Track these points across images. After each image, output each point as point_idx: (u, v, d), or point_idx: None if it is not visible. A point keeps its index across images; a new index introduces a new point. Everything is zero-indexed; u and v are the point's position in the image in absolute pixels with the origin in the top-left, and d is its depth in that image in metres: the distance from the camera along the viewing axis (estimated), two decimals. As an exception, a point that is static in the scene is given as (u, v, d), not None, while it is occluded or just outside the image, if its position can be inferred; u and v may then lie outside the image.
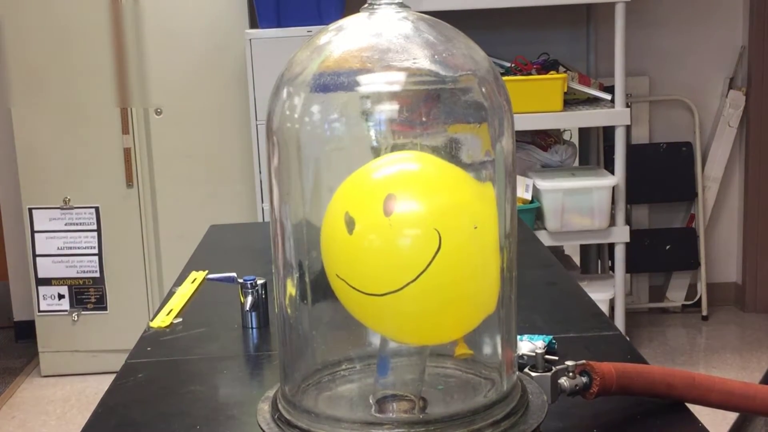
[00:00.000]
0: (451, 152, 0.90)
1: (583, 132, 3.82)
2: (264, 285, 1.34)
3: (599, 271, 3.90)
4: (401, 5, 0.92)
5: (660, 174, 3.86)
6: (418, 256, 0.85)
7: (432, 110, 0.90)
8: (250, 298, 1.34)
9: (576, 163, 3.61)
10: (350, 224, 0.86)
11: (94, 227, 3.50)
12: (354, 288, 0.87)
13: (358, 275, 0.87)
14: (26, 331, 3.80)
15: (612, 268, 3.59)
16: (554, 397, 0.95)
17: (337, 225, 0.88)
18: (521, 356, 0.99)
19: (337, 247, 0.89)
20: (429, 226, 0.85)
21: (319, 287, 0.91)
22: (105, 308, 3.54)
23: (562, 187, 3.19)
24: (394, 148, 0.90)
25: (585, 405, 0.98)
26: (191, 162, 3.48)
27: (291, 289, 0.93)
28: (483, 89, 0.91)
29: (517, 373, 0.95)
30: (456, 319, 0.90)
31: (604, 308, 3.21)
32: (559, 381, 0.95)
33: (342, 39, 0.93)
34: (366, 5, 0.93)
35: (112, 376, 1.19)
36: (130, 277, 3.53)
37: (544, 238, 3.16)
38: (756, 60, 3.82)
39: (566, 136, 3.65)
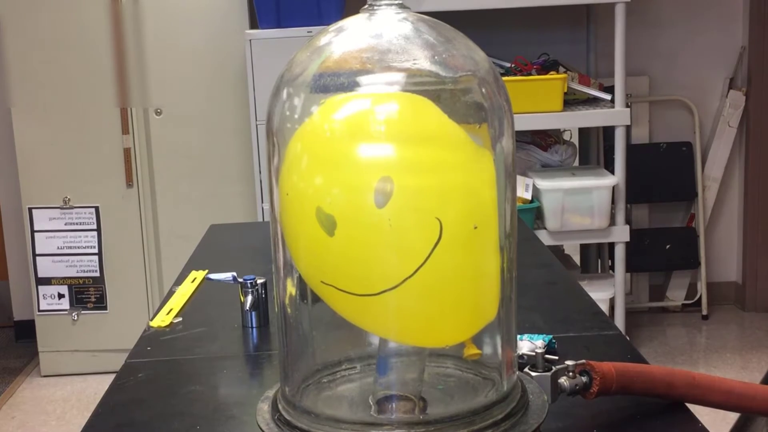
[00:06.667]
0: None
1: (583, 132, 3.82)
2: (264, 285, 1.34)
3: (599, 271, 3.90)
4: (401, 6, 0.92)
5: (660, 174, 3.86)
6: (416, 249, 0.81)
7: (432, 111, 0.89)
8: (250, 298, 1.34)
9: (576, 163, 3.61)
10: (329, 223, 0.81)
11: (94, 227, 3.50)
12: (345, 291, 0.84)
13: (347, 277, 0.83)
14: (26, 331, 3.80)
15: (612, 268, 3.59)
16: (554, 397, 0.95)
17: (308, 226, 0.82)
18: (521, 356, 0.99)
19: (317, 253, 0.84)
20: (430, 215, 0.81)
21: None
22: (105, 308, 3.54)
23: (562, 187, 3.20)
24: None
25: (585, 405, 0.98)
26: (191, 162, 3.48)
27: (291, 289, 0.93)
28: (483, 90, 0.91)
29: (517, 372, 0.95)
30: (456, 320, 0.88)
31: (604, 308, 3.21)
32: (559, 381, 0.95)
33: (342, 40, 0.93)
34: (366, 6, 0.93)
35: (112, 376, 1.19)
36: (130, 277, 3.53)
37: (544, 238, 3.17)
38: (756, 60, 3.82)
39: (566, 136, 3.65)
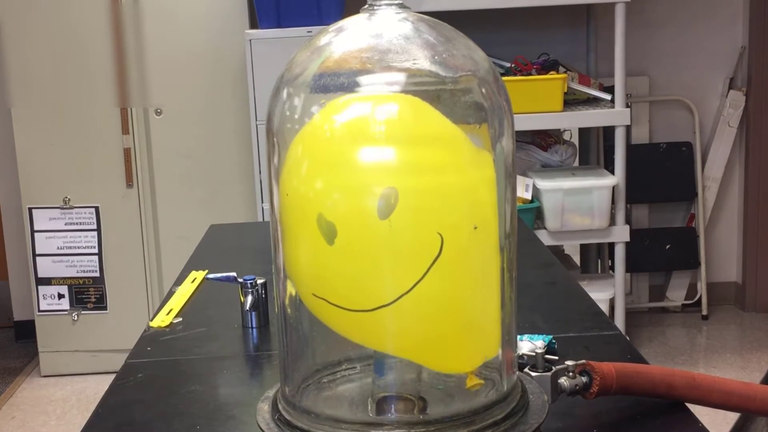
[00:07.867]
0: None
1: (583, 132, 3.82)
2: (264, 285, 1.34)
3: (599, 271, 3.90)
4: (401, 6, 0.92)
5: (660, 174, 3.86)
6: (416, 259, 0.80)
7: (432, 111, 0.89)
8: (250, 298, 1.34)
9: (576, 163, 3.61)
10: (329, 231, 0.79)
11: (94, 227, 3.50)
12: (338, 306, 0.82)
13: (342, 291, 0.82)
14: (26, 331, 3.80)
15: (612, 268, 3.59)
16: (554, 397, 0.95)
17: (307, 233, 0.81)
18: (521, 356, 0.99)
19: (314, 262, 0.82)
20: (431, 215, 0.80)
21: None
22: (105, 308, 3.54)
23: (562, 187, 3.20)
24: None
25: (585, 405, 0.98)
26: (191, 162, 3.48)
27: (291, 289, 0.93)
28: (483, 90, 0.91)
29: (517, 373, 0.95)
30: (456, 345, 0.86)
31: (604, 308, 3.21)
32: (559, 381, 0.95)
33: (342, 40, 0.93)
34: (366, 6, 0.93)
35: (112, 376, 1.19)
36: (130, 277, 3.53)
37: (544, 238, 3.16)
38: (756, 60, 3.82)
39: (566, 136, 3.65)
